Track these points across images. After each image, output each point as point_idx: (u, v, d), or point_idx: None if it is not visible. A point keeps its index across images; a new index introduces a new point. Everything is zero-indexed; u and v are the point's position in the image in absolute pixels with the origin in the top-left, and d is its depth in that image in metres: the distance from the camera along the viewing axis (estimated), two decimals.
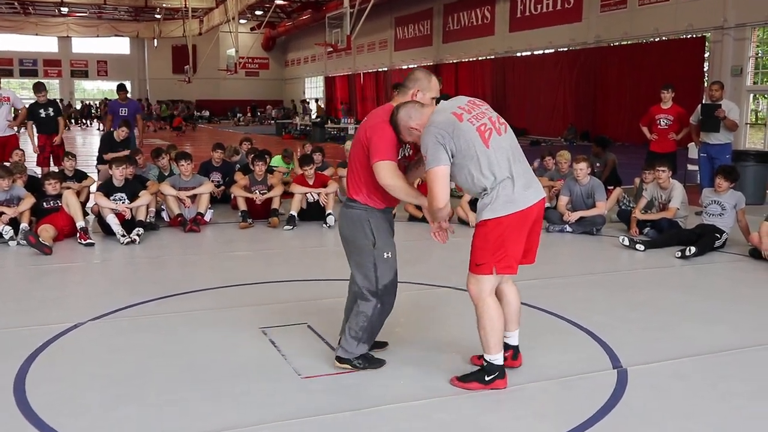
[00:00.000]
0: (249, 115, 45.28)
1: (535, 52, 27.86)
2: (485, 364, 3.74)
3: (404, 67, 36.18)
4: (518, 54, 28.58)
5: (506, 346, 3.92)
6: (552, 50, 26.85)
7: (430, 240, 5.66)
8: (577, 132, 24.40)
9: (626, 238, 7.36)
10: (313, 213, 8.74)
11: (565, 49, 25.90)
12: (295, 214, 8.53)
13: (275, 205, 8.75)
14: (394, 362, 4.19)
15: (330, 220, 8.53)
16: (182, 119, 34.92)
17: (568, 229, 8.17)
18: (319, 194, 8.73)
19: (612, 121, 23.36)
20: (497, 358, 3.72)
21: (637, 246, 7.25)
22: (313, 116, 33.65)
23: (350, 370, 3.98)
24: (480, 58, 30.47)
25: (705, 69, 21.08)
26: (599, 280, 6.27)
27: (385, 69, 37.80)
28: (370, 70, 39.56)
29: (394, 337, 4.68)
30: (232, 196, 9.10)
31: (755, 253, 6.84)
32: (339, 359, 4.03)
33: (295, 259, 7.23)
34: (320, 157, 10.15)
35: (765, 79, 20.59)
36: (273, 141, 26.63)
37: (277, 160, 10.98)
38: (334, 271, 6.56)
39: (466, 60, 31.50)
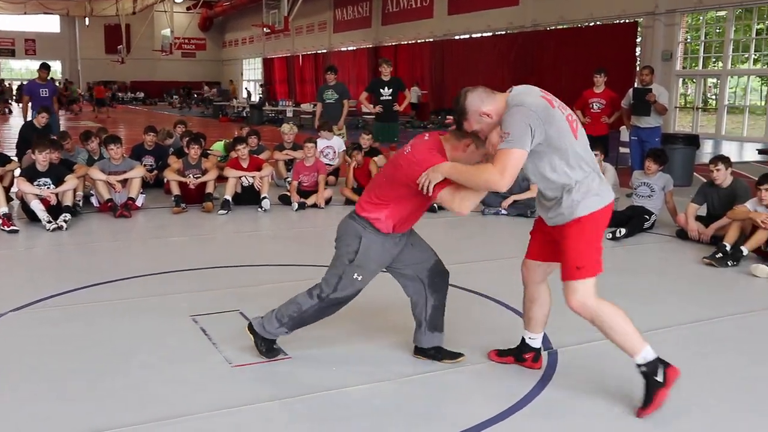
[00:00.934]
0: (180, 96, 44.25)
1: (473, 35, 27.99)
2: (644, 369, 3.32)
3: (343, 49, 35.97)
4: (456, 37, 28.66)
5: (528, 348, 3.81)
6: (490, 33, 27.02)
7: None
8: None
9: None
10: (248, 197, 8.61)
11: (503, 32, 26.12)
12: (230, 199, 8.39)
13: (209, 189, 8.58)
14: (326, 350, 4.16)
15: (265, 203, 8.41)
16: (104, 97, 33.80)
17: (503, 211, 8.26)
18: (253, 178, 8.59)
19: None
20: (648, 353, 3.32)
21: None
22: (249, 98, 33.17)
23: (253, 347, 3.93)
24: (419, 41, 30.47)
25: (637, 54, 21.53)
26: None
27: (325, 51, 37.47)
28: (309, 52, 39.17)
29: (329, 320, 4.63)
30: (165, 180, 8.89)
31: (682, 234, 7.02)
32: (250, 327, 3.94)
33: (229, 244, 7.12)
34: (256, 141, 10.01)
35: (693, 64, 21.16)
36: (210, 124, 26.17)
37: (218, 146, 10.78)
38: (269, 256, 6.50)
39: (405, 42, 31.46)
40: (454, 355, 3.93)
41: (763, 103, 20.13)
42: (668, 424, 3.28)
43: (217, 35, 51.77)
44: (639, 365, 3.31)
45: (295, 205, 8.54)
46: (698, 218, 7.04)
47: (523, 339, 3.85)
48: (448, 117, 10.04)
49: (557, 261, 3.47)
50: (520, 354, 3.86)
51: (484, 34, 27.35)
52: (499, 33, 26.37)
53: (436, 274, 3.90)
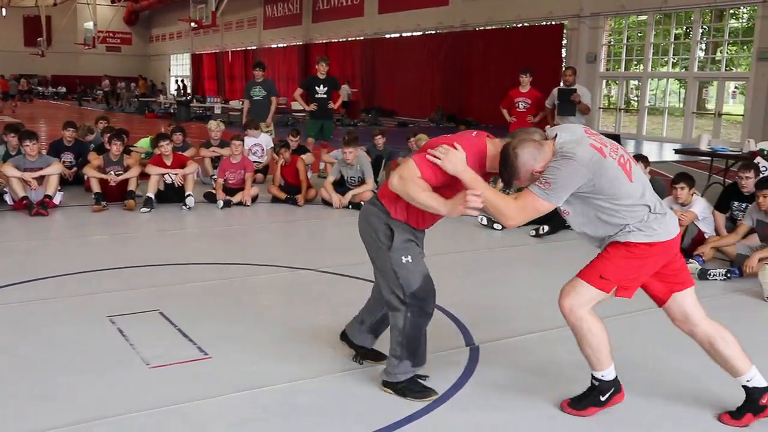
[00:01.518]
0: (105, 91, 43.00)
1: (404, 34, 28.16)
2: (596, 383, 3.32)
3: (274, 46, 35.65)
4: (387, 36, 28.78)
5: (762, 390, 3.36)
6: (420, 33, 27.23)
7: (295, 222, 5.62)
8: (444, 114, 24.90)
9: (484, 218, 7.55)
10: (172, 195, 8.43)
11: (433, 32, 26.35)
12: (153, 196, 8.19)
13: (132, 186, 8.36)
14: (247, 349, 4.10)
15: (189, 201, 8.25)
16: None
17: None
18: (176, 175, 8.40)
19: (477, 104, 24.01)
20: (608, 372, 3.30)
21: (495, 225, 7.46)
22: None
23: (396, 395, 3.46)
24: (350, 39, 30.45)
25: (563, 55, 22.04)
26: (457, 259, 6.40)
27: (255, 47, 37.07)
28: (238, 48, 38.69)
29: (252, 319, 4.58)
30: (86, 177, 8.62)
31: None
32: (385, 383, 3.52)
33: (151, 243, 6.95)
34: (181, 137, 9.79)
35: (616, 66, 21.77)
36: (135, 120, 25.54)
37: (144, 142, 10.50)
38: (193, 255, 6.37)
39: (336, 41, 31.40)
40: (378, 356, 3.87)
41: (681, 105, 20.86)
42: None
43: (143, 30, 50.60)
44: (594, 378, 3.32)
45: (221, 203, 8.40)
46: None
47: (744, 386, 3.38)
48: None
49: (679, 288, 3.32)
50: (606, 395, 3.38)
51: (414, 34, 27.54)
52: (429, 32, 26.60)
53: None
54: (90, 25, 39.52)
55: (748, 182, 6.52)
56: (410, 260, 3.35)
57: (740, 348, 3.37)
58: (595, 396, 3.33)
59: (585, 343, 3.27)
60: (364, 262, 6.08)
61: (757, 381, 3.36)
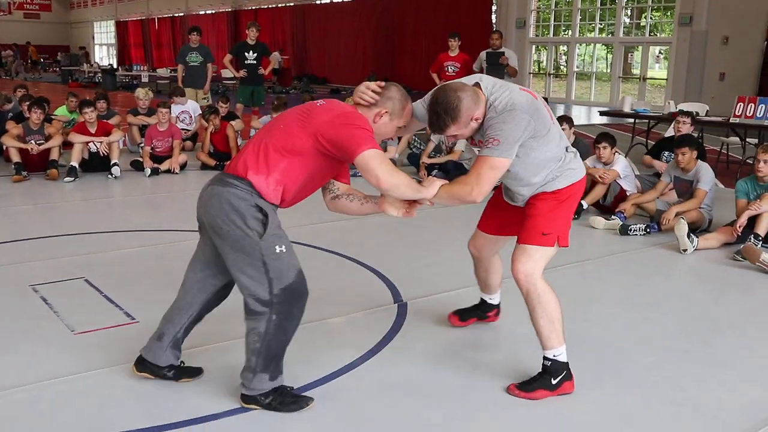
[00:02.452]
0: (28, 61, 41.34)
1: (335, 0, 27.85)
2: (547, 364, 3.15)
3: (201, 12, 34.79)
4: (317, 2, 28.42)
5: (490, 306, 3.88)
6: None
7: None
8: (377, 79, 24.82)
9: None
10: (97, 164, 8.22)
11: None
12: (77, 165, 7.97)
13: (54, 156, 8.11)
14: None
15: (115, 170, 8.06)
16: None
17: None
18: (100, 143, 8.18)
19: (409, 69, 24.00)
20: (561, 353, 3.14)
21: None
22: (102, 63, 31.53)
23: (258, 409, 2.98)
24: (279, 5, 29.97)
25: (493, 21, 22.18)
26: (388, 221, 6.44)
27: (182, 14, 36.08)
28: (165, 15, 37.58)
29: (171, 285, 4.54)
30: (4, 147, 8.32)
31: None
32: (243, 397, 3.00)
33: (76, 212, 6.78)
34: (105, 105, 9.52)
35: (545, 32, 22.05)
36: (58, 89, 24.68)
37: (62, 110, 10.16)
38: (119, 223, 6.26)
39: (266, 7, 30.84)
40: (194, 372, 3.30)
41: (608, 70, 21.30)
42: (511, 368, 3.46)
43: None
44: (546, 358, 3.16)
45: (148, 171, 8.24)
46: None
47: (483, 300, 3.88)
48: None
49: (516, 234, 3.24)
50: (483, 313, 3.90)
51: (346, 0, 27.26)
52: None
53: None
54: None
55: (766, 167, 5.67)
56: (284, 250, 2.86)
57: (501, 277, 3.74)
58: (545, 380, 3.13)
59: (539, 313, 3.12)
60: (292, 226, 6.09)
61: (495, 300, 3.84)
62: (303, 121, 2.89)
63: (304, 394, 3.08)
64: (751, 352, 3.70)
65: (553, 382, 3.12)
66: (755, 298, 4.64)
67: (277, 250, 2.85)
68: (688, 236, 5.44)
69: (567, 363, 3.16)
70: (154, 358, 3.18)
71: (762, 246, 5.31)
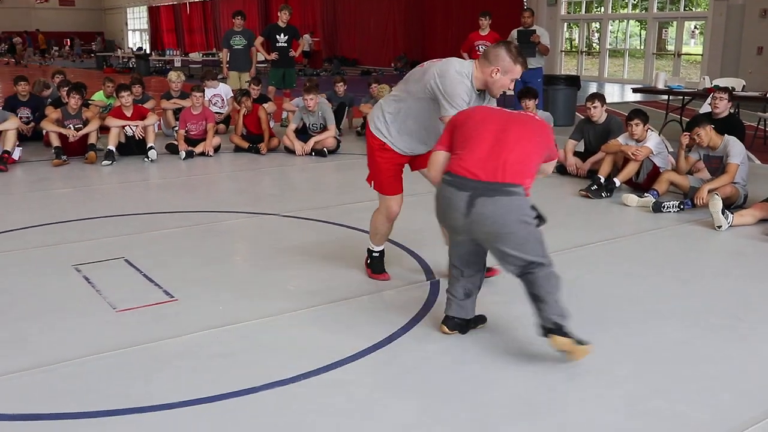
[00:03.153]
0: (67, 47, 41.91)
1: None
2: (376, 255, 4.29)
3: None
4: None
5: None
6: None
7: (258, 170, 5.46)
8: (408, 60, 24.74)
9: None
10: (134, 147, 8.37)
11: None
12: (114, 149, 8.12)
13: (92, 140, 8.27)
14: (212, 291, 4.17)
15: (152, 154, 8.20)
16: None
17: None
18: (136, 127, 8.32)
19: (440, 50, 23.80)
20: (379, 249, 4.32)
21: None
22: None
23: (569, 348, 3.14)
24: None
25: None
26: (421, 200, 6.47)
27: None
28: (197, 0, 37.77)
29: (218, 262, 4.65)
30: (44, 132, 8.51)
31: (561, 169, 7.33)
32: (552, 331, 3.15)
33: (114, 195, 6.93)
34: (140, 89, 9.65)
35: (577, 9, 21.76)
36: (94, 75, 25.01)
37: (99, 95, 10.33)
38: (156, 205, 6.39)
39: None
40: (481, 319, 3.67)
41: (642, 47, 20.97)
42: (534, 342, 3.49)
43: None
44: (370, 250, 4.29)
45: (183, 154, 8.37)
46: (576, 153, 7.36)
47: None
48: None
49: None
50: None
51: None
52: None
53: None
54: None
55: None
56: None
57: None
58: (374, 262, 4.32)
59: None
60: (325, 207, 6.19)
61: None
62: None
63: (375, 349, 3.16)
64: None
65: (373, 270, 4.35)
66: None
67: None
68: (723, 213, 5.40)
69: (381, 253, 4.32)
70: (466, 313, 3.53)
71: None
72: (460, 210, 3.19)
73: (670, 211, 5.90)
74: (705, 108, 8.55)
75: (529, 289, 3.24)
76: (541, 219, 3.33)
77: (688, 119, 8.75)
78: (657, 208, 5.94)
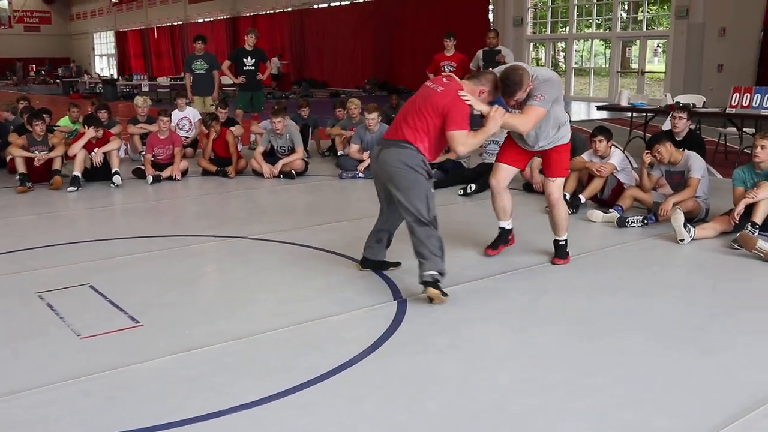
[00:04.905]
0: (33, 73, 41.51)
1: (332, 4, 27.95)
2: (562, 242, 5.04)
3: (200, 20, 34.94)
4: (315, 6, 28.52)
5: (508, 231, 5.22)
6: (348, 2, 27.06)
7: (226, 193, 5.38)
8: (377, 83, 24.91)
9: None
10: (100, 173, 8.29)
11: (361, 0, 26.20)
12: (79, 175, 8.05)
13: (57, 165, 8.19)
14: (177, 315, 4.14)
15: (116, 179, 8.12)
16: None
17: (361, 174, 8.40)
18: (95, 153, 8.19)
19: (408, 72, 24.08)
20: (566, 238, 5.07)
21: None
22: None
23: (438, 299, 4.16)
24: (277, 11, 30.09)
25: (490, 19, 22.24)
26: None
27: (181, 23, 36.26)
28: (164, 24, 37.77)
29: (184, 287, 4.62)
30: (8, 158, 8.40)
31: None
32: (432, 284, 4.15)
33: (80, 221, 6.86)
34: (106, 114, 9.60)
35: (543, 29, 22.10)
36: (60, 101, 24.80)
37: (64, 121, 10.25)
38: (122, 230, 6.34)
39: (264, 13, 30.98)
40: (394, 264, 4.85)
41: (607, 65, 21.34)
42: (504, 354, 3.51)
43: (63, 8, 48.79)
44: (557, 241, 5.07)
45: (150, 179, 8.31)
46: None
47: (502, 228, 5.18)
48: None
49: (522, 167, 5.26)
50: (505, 239, 5.23)
51: (343, 3, 27.36)
52: (357, 1, 26.45)
53: None
54: (4, 3, 37.98)
55: (764, 152, 5.68)
56: (434, 193, 4.33)
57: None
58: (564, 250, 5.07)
59: (561, 219, 5.00)
60: (294, 229, 6.18)
61: (509, 225, 5.23)
62: None
63: (309, 386, 3.15)
64: (747, 338, 3.75)
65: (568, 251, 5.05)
66: (752, 285, 4.69)
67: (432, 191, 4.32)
68: (685, 226, 5.49)
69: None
70: (375, 256, 4.76)
71: (759, 234, 5.36)
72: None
73: (634, 226, 5.99)
74: (668, 124, 8.70)
75: (415, 247, 4.23)
76: (429, 175, 4.27)
77: (651, 135, 8.90)
78: (621, 223, 6.02)
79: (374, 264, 4.78)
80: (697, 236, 5.53)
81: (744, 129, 9.26)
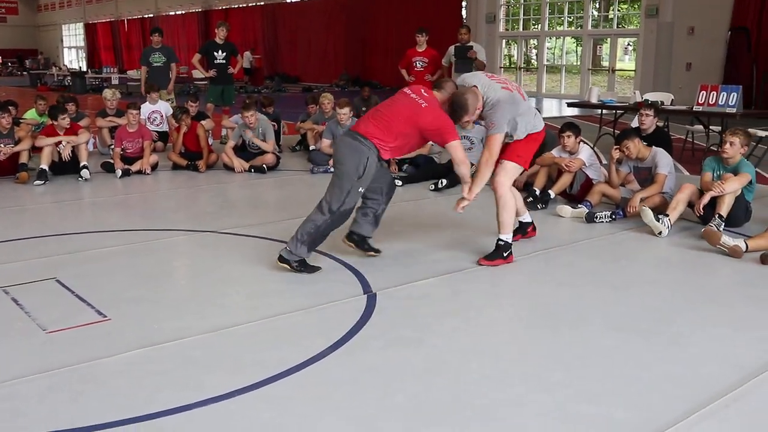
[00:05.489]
0: None
1: None
2: (501, 243, 4.89)
3: (171, 13, 34.62)
4: (288, 0, 28.39)
5: (527, 224, 5.45)
6: None
7: (196, 188, 5.29)
8: (350, 78, 24.88)
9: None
10: (68, 166, 8.18)
11: None
12: (46, 168, 7.93)
13: (23, 159, 8.07)
14: (146, 310, 4.12)
15: (84, 173, 8.02)
16: None
17: (332, 169, 8.36)
18: (64, 146, 8.08)
19: (380, 66, 24.10)
20: (509, 237, 4.92)
21: (396, 181, 7.60)
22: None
23: (289, 270, 4.57)
24: (250, 5, 29.90)
25: (464, 16, 22.32)
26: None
27: (152, 15, 35.89)
28: (135, 17, 37.35)
29: (153, 281, 4.59)
30: None
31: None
32: (281, 258, 4.59)
33: (46, 215, 6.76)
34: (74, 107, 9.47)
35: (515, 26, 22.23)
36: (27, 93, 24.42)
37: (31, 113, 10.09)
38: (90, 224, 6.27)
39: (236, 6, 30.78)
40: (375, 250, 5.03)
41: (578, 63, 21.53)
42: (467, 350, 3.55)
43: None
44: (500, 240, 4.90)
45: (119, 172, 8.22)
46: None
47: (519, 222, 5.36)
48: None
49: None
50: (524, 231, 5.44)
51: None
52: None
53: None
54: None
55: (731, 148, 5.72)
56: (360, 191, 4.61)
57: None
58: (499, 251, 4.90)
59: (504, 210, 4.86)
60: (264, 223, 6.17)
61: (528, 218, 5.47)
62: None
63: (290, 374, 3.15)
64: (709, 330, 3.82)
65: (504, 254, 4.89)
66: (714, 280, 4.78)
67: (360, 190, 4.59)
68: (657, 219, 5.58)
69: (511, 244, 4.93)
70: (364, 231, 4.93)
71: (724, 229, 5.45)
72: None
73: (602, 221, 6.06)
74: (635, 122, 8.81)
75: (302, 223, 4.61)
76: (360, 176, 4.51)
77: (620, 131, 9.01)
78: (590, 218, 6.09)
79: (357, 239, 4.94)
80: (672, 220, 5.64)
81: (710, 126, 9.41)
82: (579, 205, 6.36)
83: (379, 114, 4.65)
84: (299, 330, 3.83)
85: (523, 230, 5.44)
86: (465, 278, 4.67)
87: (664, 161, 6.14)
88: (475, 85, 4.71)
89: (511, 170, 4.87)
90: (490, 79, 4.80)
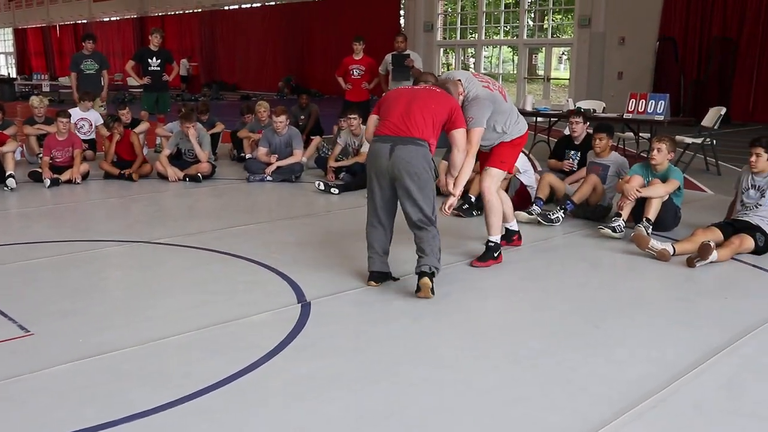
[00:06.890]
0: None
1: (243, 6, 27.63)
2: (491, 244, 5.06)
3: (105, 19, 33.90)
4: (226, 8, 28.13)
5: (513, 232, 5.50)
6: (259, 4, 26.81)
7: (129, 197, 5.16)
8: (291, 85, 24.75)
9: (321, 183, 7.68)
10: None
11: (273, 3, 26.01)
12: None
13: None
14: (71, 324, 3.99)
15: (10, 182, 7.75)
16: None
17: (269, 178, 8.32)
18: None
19: (320, 74, 24.05)
20: (498, 238, 5.11)
21: (332, 190, 7.61)
22: None
23: (426, 291, 4.31)
24: (187, 12, 29.51)
25: (402, 24, 22.45)
26: (296, 223, 6.47)
27: (85, 21, 35.08)
28: (67, 23, 36.44)
29: (80, 293, 4.45)
30: None
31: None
32: (431, 277, 4.33)
33: None
34: (0, 115, 9.16)
35: (453, 35, 22.46)
36: None
37: None
38: (14, 235, 6.06)
39: (173, 13, 30.33)
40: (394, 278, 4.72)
41: (515, 71, 21.86)
42: (401, 359, 3.54)
43: None
44: (490, 241, 5.07)
45: (48, 182, 7.98)
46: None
47: (506, 229, 5.35)
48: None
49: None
50: (509, 238, 5.46)
51: (254, 5, 27.09)
52: (269, 3, 26.24)
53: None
54: None
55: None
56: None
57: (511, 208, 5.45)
58: (489, 252, 5.07)
59: (492, 213, 5.04)
60: (198, 233, 6.06)
61: (515, 227, 5.53)
62: None
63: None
64: (637, 332, 3.91)
65: (495, 254, 5.10)
66: (643, 284, 4.90)
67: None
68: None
69: (500, 245, 5.15)
70: (382, 268, 4.61)
71: (652, 233, 5.60)
72: (385, 156, 4.33)
73: (558, 218, 6.16)
74: (567, 130, 8.99)
75: (419, 243, 4.41)
76: (436, 173, 4.49)
77: (555, 139, 9.19)
78: (546, 219, 6.17)
79: (384, 276, 4.64)
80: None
81: (640, 133, 9.67)
82: (532, 207, 6.41)
83: (409, 113, 4.41)
84: (232, 341, 3.76)
85: (508, 238, 5.46)
86: (397, 286, 4.66)
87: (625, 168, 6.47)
88: (459, 79, 4.87)
89: (497, 175, 5.07)
90: (474, 77, 4.95)
